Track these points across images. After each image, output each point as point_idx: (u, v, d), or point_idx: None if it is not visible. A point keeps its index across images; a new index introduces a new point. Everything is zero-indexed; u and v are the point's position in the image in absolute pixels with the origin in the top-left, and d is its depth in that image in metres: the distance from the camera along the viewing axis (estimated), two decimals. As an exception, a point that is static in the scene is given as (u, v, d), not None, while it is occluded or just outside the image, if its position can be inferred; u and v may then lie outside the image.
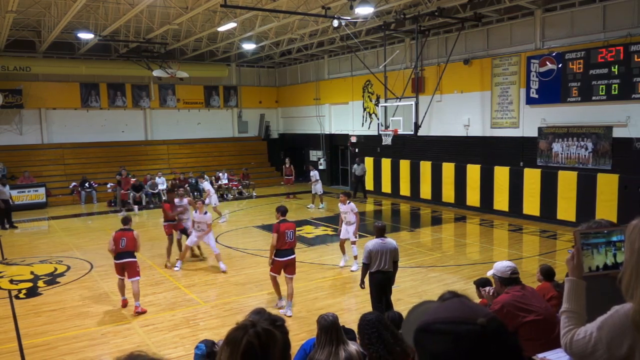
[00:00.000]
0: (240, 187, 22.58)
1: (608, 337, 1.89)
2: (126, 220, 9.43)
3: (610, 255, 2.08)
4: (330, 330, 4.09)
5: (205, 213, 11.15)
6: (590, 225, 2.47)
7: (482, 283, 5.79)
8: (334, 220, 16.67)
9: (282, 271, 8.52)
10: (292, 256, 8.53)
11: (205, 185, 17.33)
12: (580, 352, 1.99)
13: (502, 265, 4.83)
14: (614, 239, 2.08)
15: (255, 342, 1.64)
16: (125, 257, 8.94)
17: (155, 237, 14.89)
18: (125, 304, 9.04)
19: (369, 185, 21.40)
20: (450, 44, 17.40)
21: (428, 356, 1.19)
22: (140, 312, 8.68)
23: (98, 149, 23.28)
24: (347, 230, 11.18)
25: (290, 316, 8.22)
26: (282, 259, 8.39)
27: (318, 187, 18.92)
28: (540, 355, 3.82)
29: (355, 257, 10.94)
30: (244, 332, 1.67)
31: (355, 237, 11.17)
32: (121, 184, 19.40)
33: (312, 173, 19.04)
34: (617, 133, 13.41)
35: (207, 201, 15.44)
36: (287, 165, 22.20)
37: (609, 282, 2.07)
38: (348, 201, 11.30)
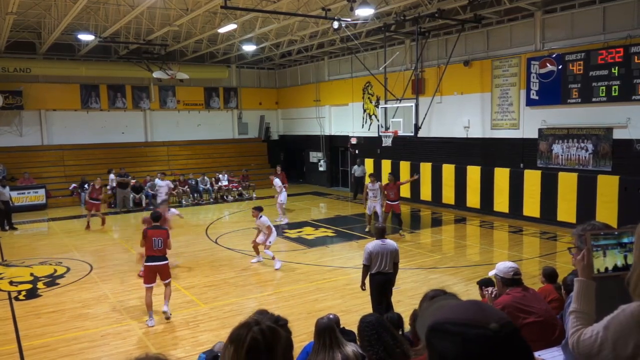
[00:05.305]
0: (240, 188, 22.58)
1: (614, 337, 1.87)
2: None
3: (621, 256, 2.05)
4: (323, 333, 3.97)
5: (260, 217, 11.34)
6: (585, 227, 2.46)
7: (485, 283, 5.79)
8: (334, 222, 16.70)
9: (159, 279, 8.32)
10: (164, 262, 8.33)
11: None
12: (587, 352, 1.96)
13: (504, 265, 4.81)
14: (625, 240, 2.05)
15: (260, 338, 1.64)
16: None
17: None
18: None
19: (369, 186, 21.35)
20: (450, 46, 17.39)
21: (437, 356, 1.18)
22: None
23: (98, 150, 23.23)
24: (261, 239, 11.43)
25: (169, 317, 8.25)
26: (152, 263, 8.22)
27: (282, 197, 17.17)
28: (536, 354, 3.80)
29: (274, 258, 11.22)
30: (248, 329, 1.67)
31: (267, 244, 11.28)
32: None
33: (274, 181, 17.49)
34: (618, 134, 13.40)
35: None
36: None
37: (619, 284, 2.05)
38: (260, 215, 11.18)
